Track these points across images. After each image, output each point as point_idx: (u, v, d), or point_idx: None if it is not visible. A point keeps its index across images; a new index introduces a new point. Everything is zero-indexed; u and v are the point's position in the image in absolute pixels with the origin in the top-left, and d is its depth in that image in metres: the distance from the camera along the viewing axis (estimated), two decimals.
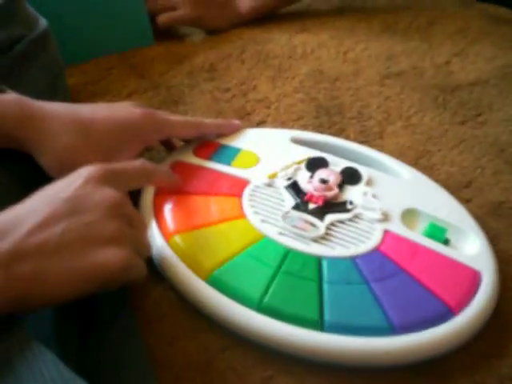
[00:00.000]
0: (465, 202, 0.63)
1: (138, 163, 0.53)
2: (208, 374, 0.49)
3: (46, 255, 0.42)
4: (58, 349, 0.46)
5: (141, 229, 0.50)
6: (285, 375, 0.49)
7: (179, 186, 0.59)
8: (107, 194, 0.46)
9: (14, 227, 0.42)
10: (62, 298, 0.43)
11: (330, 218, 0.57)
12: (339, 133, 0.71)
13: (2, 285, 0.40)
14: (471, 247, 0.57)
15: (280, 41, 0.85)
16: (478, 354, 0.51)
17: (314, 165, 0.62)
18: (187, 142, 0.66)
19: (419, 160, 0.68)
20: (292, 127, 0.71)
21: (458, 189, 0.65)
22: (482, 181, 0.66)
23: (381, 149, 0.68)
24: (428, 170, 0.66)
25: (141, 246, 0.48)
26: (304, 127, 0.71)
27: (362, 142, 0.69)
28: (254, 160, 0.63)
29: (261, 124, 0.72)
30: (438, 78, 0.79)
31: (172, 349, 0.50)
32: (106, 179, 0.47)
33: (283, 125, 0.72)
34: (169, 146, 0.67)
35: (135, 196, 0.58)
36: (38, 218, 0.43)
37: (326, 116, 0.73)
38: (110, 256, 0.44)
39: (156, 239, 0.55)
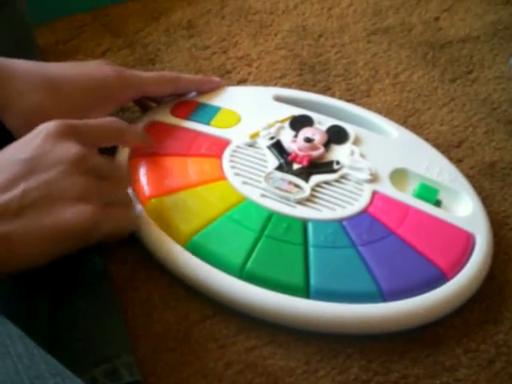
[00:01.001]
0: (456, 162, 0.61)
1: (108, 120, 0.50)
2: (188, 345, 0.47)
3: (8, 219, 0.40)
4: (26, 321, 0.44)
5: (116, 179, 0.48)
6: (269, 345, 0.48)
7: (152, 147, 0.56)
8: (68, 148, 0.44)
9: None
10: (30, 262, 0.42)
11: (316, 178, 0.55)
12: (324, 91, 0.69)
13: None
14: (464, 209, 0.55)
15: None
16: (473, 321, 0.50)
17: (299, 123, 0.59)
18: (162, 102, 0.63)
19: (408, 119, 0.66)
20: (275, 85, 0.69)
21: (449, 148, 0.63)
22: (474, 140, 0.65)
23: (368, 107, 0.66)
24: (417, 129, 0.64)
25: (118, 198, 0.47)
26: (287, 85, 0.69)
27: (348, 101, 0.66)
28: (235, 119, 0.60)
29: (242, 82, 0.70)
30: (426, 35, 0.77)
31: (150, 319, 0.49)
32: (67, 134, 0.45)
33: (265, 83, 0.70)
34: (144, 106, 0.64)
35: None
36: None
37: (311, 74, 0.71)
38: (76, 214, 0.43)
39: None
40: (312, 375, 0.46)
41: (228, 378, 0.46)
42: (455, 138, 0.64)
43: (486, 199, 0.58)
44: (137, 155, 0.56)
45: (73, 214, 0.42)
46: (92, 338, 0.46)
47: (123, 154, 0.57)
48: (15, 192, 0.41)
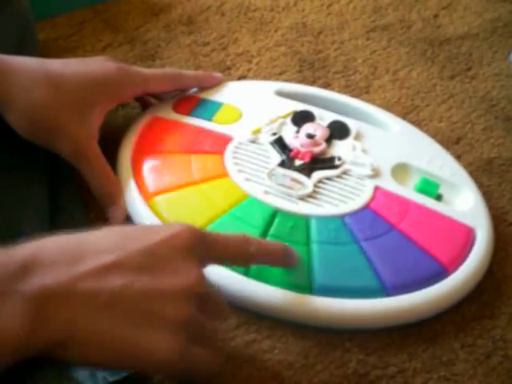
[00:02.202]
0: (454, 158, 0.61)
1: (233, 237, 0.44)
2: None
3: (90, 308, 0.35)
4: None
5: (213, 320, 0.41)
6: (269, 338, 0.48)
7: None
8: (191, 270, 0.38)
9: (67, 262, 0.35)
10: (93, 363, 0.36)
11: (318, 174, 0.55)
12: (323, 87, 0.68)
13: (27, 326, 0.33)
14: (465, 203, 0.55)
15: None
16: (470, 316, 0.50)
17: (300, 119, 0.59)
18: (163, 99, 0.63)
19: (407, 115, 0.66)
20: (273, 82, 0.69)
21: (448, 145, 0.63)
22: (472, 136, 0.65)
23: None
24: (416, 126, 0.64)
25: (207, 340, 0.40)
26: (287, 82, 0.69)
27: None
28: (237, 115, 0.60)
29: (241, 79, 0.70)
30: (425, 32, 0.77)
31: None
32: (196, 247, 0.39)
33: (265, 79, 0.69)
34: (144, 102, 0.63)
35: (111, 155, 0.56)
36: (101, 259, 0.36)
37: (310, 70, 0.71)
38: (166, 341, 0.36)
39: (135, 201, 0.53)
40: (310, 369, 0.46)
41: (227, 372, 0.46)
42: (454, 134, 0.65)
43: (485, 195, 0.58)
44: (139, 152, 0.56)
45: (162, 340, 0.36)
46: None
47: (127, 151, 0.57)
48: (114, 281, 0.35)
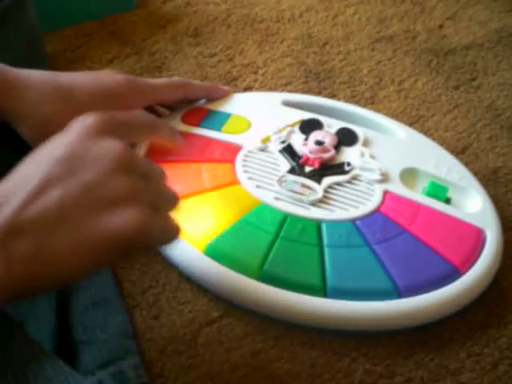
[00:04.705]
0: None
1: (140, 113, 0.47)
2: (194, 348, 0.48)
3: (46, 228, 0.36)
4: (32, 324, 0.44)
5: (160, 180, 0.42)
6: (275, 348, 0.48)
7: (181, 145, 0.52)
8: (110, 145, 0.39)
9: (6, 200, 0.36)
10: (73, 276, 0.37)
11: (328, 180, 0.55)
12: (329, 98, 0.69)
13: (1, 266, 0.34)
14: (473, 205, 0.56)
15: (267, 4, 0.82)
16: (476, 325, 0.50)
17: (309, 127, 0.60)
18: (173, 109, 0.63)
19: (413, 125, 0.66)
20: (281, 92, 0.69)
21: (453, 154, 0.63)
22: (478, 146, 0.65)
23: None
24: None
25: (164, 201, 0.42)
26: (293, 92, 0.69)
27: None
28: (246, 124, 0.60)
29: (248, 90, 0.70)
30: (430, 42, 0.77)
31: (157, 322, 0.49)
32: (105, 129, 0.40)
33: (271, 90, 0.70)
34: (153, 113, 0.64)
35: None
36: (31, 185, 0.36)
37: (316, 81, 0.71)
38: (125, 218, 0.37)
39: None
40: (317, 378, 0.46)
41: (234, 382, 0.46)
42: (459, 144, 0.65)
43: None
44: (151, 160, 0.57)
45: (121, 218, 0.37)
46: (99, 340, 0.46)
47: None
48: (52, 197, 0.36)
